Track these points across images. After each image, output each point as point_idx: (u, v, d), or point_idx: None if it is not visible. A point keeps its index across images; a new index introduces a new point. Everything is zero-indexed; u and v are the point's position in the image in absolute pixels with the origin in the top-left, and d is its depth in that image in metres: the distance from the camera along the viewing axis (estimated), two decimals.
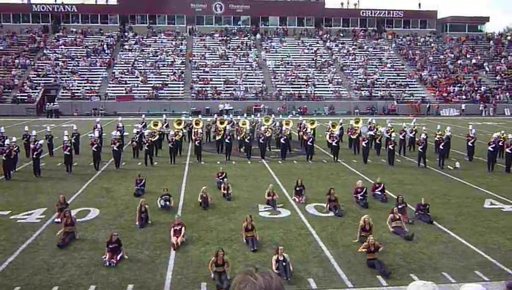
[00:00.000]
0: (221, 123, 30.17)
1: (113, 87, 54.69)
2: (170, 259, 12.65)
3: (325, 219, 16.22)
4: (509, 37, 72.80)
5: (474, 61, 64.70)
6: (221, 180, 19.61)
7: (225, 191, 18.56)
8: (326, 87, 57.53)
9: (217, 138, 29.01)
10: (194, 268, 12.10)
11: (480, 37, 73.02)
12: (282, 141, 27.65)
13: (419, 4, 76.45)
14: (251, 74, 58.68)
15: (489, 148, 24.69)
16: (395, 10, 73.98)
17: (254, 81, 57.37)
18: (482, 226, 15.57)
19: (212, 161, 26.27)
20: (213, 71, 58.60)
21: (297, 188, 18.45)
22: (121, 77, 56.27)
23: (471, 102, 56.14)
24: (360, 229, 13.91)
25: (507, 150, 24.40)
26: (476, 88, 58.83)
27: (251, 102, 52.38)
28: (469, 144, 26.73)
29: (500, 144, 25.60)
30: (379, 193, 18.56)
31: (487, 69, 63.10)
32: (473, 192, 20.07)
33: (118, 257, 12.33)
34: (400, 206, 15.80)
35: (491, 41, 71.12)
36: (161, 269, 12.02)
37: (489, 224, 15.79)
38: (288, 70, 59.86)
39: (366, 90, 56.94)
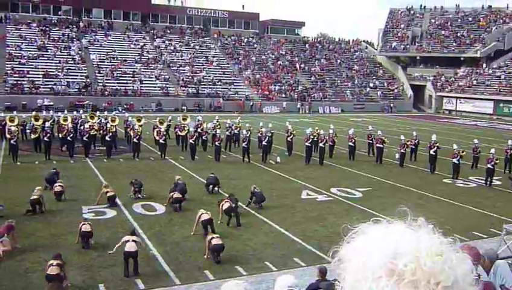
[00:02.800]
0: (36, 120, 28.05)
1: None
2: None
3: (152, 217, 16.06)
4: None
5: (292, 62, 69.55)
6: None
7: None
8: (154, 84, 56.98)
9: (33, 136, 26.90)
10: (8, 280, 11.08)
11: (297, 40, 78.70)
12: (107, 138, 26.69)
13: (243, 6, 79.82)
14: (73, 68, 55.51)
15: (307, 143, 26.75)
16: (220, 10, 76.18)
17: (77, 76, 54.38)
18: (300, 215, 16.81)
19: (30, 161, 24.31)
20: (30, 63, 54.09)
21: (136, 187, 18.13)
22: None
23: (290, 100, 60.24)
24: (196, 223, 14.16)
25: (320, 144, 26.73)
26: (293, 88, 63.29)
27: (74, 97, 49.63)
28: (288, 139, 28.64)
29: (315, 139, 27.89)
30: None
31: (298, 67, 68.31)
32: (291, 184, 21.56)
33: None
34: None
35: (307, 45, 77.14)
36: None
37: (305, 213, 17.10)
38: (113, 65, 57.92)
39: (193, 87, 57.68)
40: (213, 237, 12.58)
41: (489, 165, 22.20)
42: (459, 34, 73.58)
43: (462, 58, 70.30)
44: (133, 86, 55.02)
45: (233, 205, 15.43)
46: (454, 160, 23.39)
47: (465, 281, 1.04)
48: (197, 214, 14.41)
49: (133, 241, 11.79)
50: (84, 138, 26.45)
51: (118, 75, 56.45)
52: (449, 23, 76.71)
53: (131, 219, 15.77)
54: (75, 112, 35.17)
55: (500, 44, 68.24)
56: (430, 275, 1.02)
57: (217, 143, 26.37)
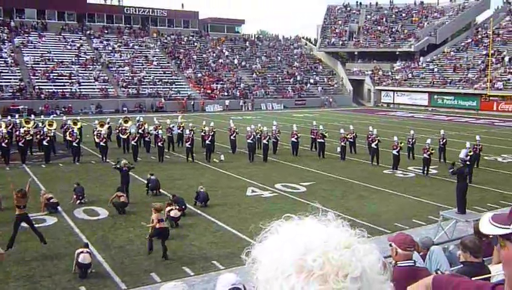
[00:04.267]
0: None
1: None
2: None
3: (95, 222, 15.68)
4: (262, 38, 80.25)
5: (233, 60, 69.60)
6: None
7: None
8: (92, 85, 55.56)
9: None
10: None
11: (237, 38, 78.82)
12: (45, 143, 25.81)
13: (182, 4, 79.09)
14: (6, 71, 53.24)
15: (249, 140, 26.86)
16: (158, 9, 75.09)
17: (10, 79, 52.20)
18: (246, 212, 16.88)
19: None
20: None
21: (78, 192, 17.70)
22: None
23: (233, 98, 60.30)
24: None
25: (264, 141, 26.93)
26: (236, 85, 63.38)
27: (8, 102, 47.62)
28: (231, 137, 28.66)
29: (258, 136, 28.04)
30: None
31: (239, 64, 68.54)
32: (236, 182, 21.61)
33: None
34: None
35: (247, 42, 77.40)
36: None
37: (252, 210, 17.19)
38: (49, 67, 55.97)
39: (133, 87, 56.66)
40: (161, 220, 12.71)
41: (425, 155, 23.06)
42: (394, 30, 76.00)
43: (397, 53, 72.65)
44: (70, 88, 53.42)
45: (178, 216, 15.26)
46: (394, 151, 24.16)
47: (372, 271, 1.07)
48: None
49: (87, 252, 11.53)
50: (20, 144, 25.46)
51: (54, 77, 54.64)
52: (384, 19, 79.12)
53: (73, 225, 15.33)
54: (9, 117, 33.77)
55: (432, 38, 71.04)
56: (338, 267, 1.03)
57: (159, 144, 26.07)
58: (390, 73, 70.34)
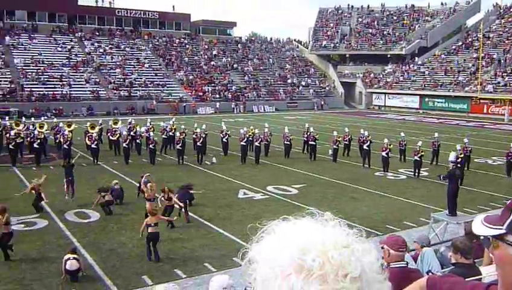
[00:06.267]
0: None
1: None
2: None
3: (86, 225, 15.60)
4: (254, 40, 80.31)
5: (225, 62, 69.59)
6: None
7: None
8: (84, 87, 55.31)
9: None
10: None
11: (229, 40, 78.83)
12: (35, 145, 25.66)
13: (173, 6, 78.96)
14: None
15: (242, 143, 26.86)
16: (150, 11, 74.92)
17: (0, 81, 51.85)
18: (237, 215, 16.87)
19: None
20: None
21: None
22: None
23: (224, 100, 60.26)
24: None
25: (256, 143, 26.92)
26: (228, 87, 63.36)
27: None
28: (223, 140, 28.63)
29: (250, 138, 28.03)
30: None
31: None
32: (228, 184, 21.58)
33: None
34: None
35: (239, 45, 77.44)
36: None
37: (243, 212, 17.18)
38: (39, 69, 55.66)
39: (125, 90, 56.48)
40: (150, 225, 12.65)
41: (416, 157, 23.17)
42: (385, 32, 76.37)
43: (388, 56, 72.99)
44: (61, 91, 53.15)
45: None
46: (383, 153, 24.25)
47: (372, 270, 1.08)
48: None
49: (74, 258, 11.37)
50: (11, 146, 25.28)
51: (45, 79, 54.34)
52: (375, 22, 79.46)
53: (64, 227, 15.25)
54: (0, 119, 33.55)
55: (423, 41, 71.46)
56: (338, 267, 1.03)
57: (151, 146, 26.00)
58: (381, 76, 70.64)
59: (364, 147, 25.81)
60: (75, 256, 11.52)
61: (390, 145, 24.63)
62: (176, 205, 15.87)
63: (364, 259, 1.07)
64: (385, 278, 1.11)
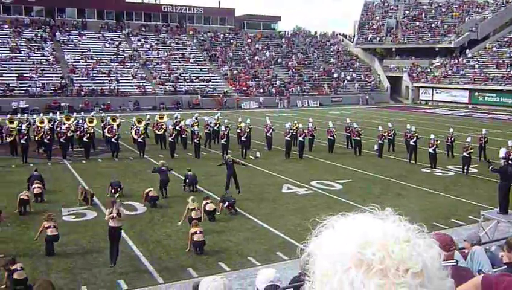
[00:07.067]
0: (11, 123, 27.73)
1: None
2: None
3: (133, 216, 15.95)
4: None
5: (269, 57, 69.56)
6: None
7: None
8: (130, 82, 56.49)
9: (8, 139, 26.53)
10: None
11: (273, 34, 78.73)
12: (85, 139, 26.41)
13: (219, 2, 79.57)
14: (48, 69, 54.63)
15: (286, 137, 26.85)
16: (195, 7, 75.68)
17: (52, 77, 53.60)
18: (281, 209, 16.88)
19: (6, 164, 23.94)
20: (3, 65, 53.12)
21: (114, 185, 18.24)
22: None
23: (268, 95, 60.28)
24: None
25: (300, 138, 26.83)
26: (272, 82, 63.35)
27: (49, 99, 48.92)
28: (267, 134, 28.66)
29: (294, 133, 27.95)
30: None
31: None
32: (272, 179, 21.61)
33: None
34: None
35: (283, 39, 77.22)
36: None
37: (287, 207, 17.17)
38: (89, 65, 57.21)
39: (170, 85, 57.32)
40: (196, 233, 12.65)
41: (465, 154, 22.53)
42: (433, 25, 74.43)
43: (436, 49, 71.12)
44: (109, 86, 54.48)
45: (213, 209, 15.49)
46: (431, 149, 23.70)
47: (433, 266, 1.05)
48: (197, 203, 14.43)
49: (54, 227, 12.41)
50: (61, 140, 26.13)
51: (94, 75, 55.81)
52: (423, 14, 77.52)
53: None
54: (51, 114, 34.67)
55: (473, 34, 69.23)
56: (398, 262, 1.02)
57: (196, 140, 26.31)
58: (429, 69, 68.97)
59: (411, 142, 25.32)
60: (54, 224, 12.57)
61: (437, 140, 24.05)
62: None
63: (426, 254, 1.05)
64: (447, 275, 1.08)
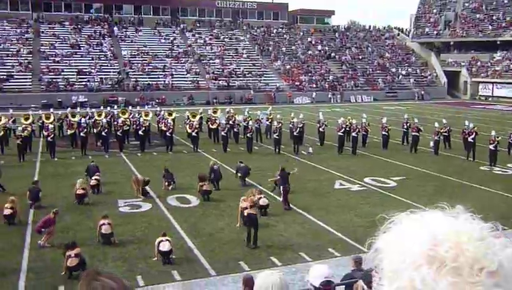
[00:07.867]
0: (73, 116, 28.78)
1: None
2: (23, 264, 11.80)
3: (186, 209, 16.24)
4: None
5: (322, 51, 68.93)
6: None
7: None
8: (184, 77, 57.40)
9: (69, 132, 27.56)
10: (50, 272, 11.40)
11: (327, 29, 77.95)
12: (140, 132, 27.07)
13: None
14: (106, 64, 56.36)
15: (339, 133, 26.57)
16: (249, 2, 75.96)
17: (109, 72, 55.24)
18: (333, 205, 16.73)
19: (66, 156, 24.88)
20: (64, 61, 55.20)
21: (168, 178, 18.65)
22: None
23: (321, 90, 59.77)
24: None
25: (353, 134, 26.47)
26: (324, 77, 62.77)
27: (107, 93, 50.41)
28: (320, 129, 28.45)
29: (348, 128, 27.59)
30: None
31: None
32: (324, 174, 21.44)
33: None
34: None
35: (337, 33, 76.30)
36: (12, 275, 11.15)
37: (339, 203, 17.01)
38: (144, 60, 58.55)
39: (223, 80, 57.82)
40: (247, 208, 13.05)
41: None
42: (494, 17, 71.52)
43: (498, 42, 68.31)
44: (164, 81, 55.57)
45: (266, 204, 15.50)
46: (491, 146, 22.84)
47: (510, 266, 1.01)
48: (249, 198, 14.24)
49: (167, 240, 11.94)
50: (118, 133, 26.90)
51: (149, 70, 57.09)
52: (484, 7, 74.59)
53: (166, 211, 15.98)
54: (109, 108, 35.78)
55: None
56: (473, 260, 0.99)
57: (248, 135, 26.44)
58: (489, 64, 66.39)
59: (469, 139, 24.48)
60: (167, 238, 12.04)
61: (498, 137, 23.14)
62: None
63: (502, 253, 1.01)
64: None
